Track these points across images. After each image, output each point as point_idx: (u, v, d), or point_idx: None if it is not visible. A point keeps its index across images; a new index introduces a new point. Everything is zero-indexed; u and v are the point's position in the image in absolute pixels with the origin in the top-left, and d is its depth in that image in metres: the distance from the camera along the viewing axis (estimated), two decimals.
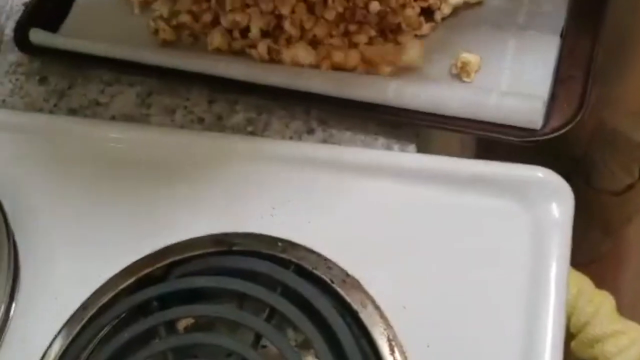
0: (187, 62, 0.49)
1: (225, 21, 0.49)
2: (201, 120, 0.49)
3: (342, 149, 0.45)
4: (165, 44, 0.52)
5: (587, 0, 0.45)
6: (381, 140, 0.46)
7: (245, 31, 0.49)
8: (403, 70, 0.46)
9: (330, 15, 0.47)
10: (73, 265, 0.43)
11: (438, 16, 0.48)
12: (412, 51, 0.45)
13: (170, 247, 0.41)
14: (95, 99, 0.52)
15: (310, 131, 0.47)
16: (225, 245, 0.41)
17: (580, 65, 0.43)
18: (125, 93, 0.52)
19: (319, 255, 0.39)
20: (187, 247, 0.41)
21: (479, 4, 0.48)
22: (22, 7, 0.57)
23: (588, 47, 0.43)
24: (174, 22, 0.51)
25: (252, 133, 0.48)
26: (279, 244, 0.40)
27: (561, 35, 0.45)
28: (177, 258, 0.40)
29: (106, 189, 0.46)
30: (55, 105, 0.52)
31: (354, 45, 0.47)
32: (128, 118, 0.50)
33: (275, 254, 0.40)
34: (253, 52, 0.48)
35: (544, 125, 0.41)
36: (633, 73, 0.81)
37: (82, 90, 0.52)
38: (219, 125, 0.49)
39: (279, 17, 0.48)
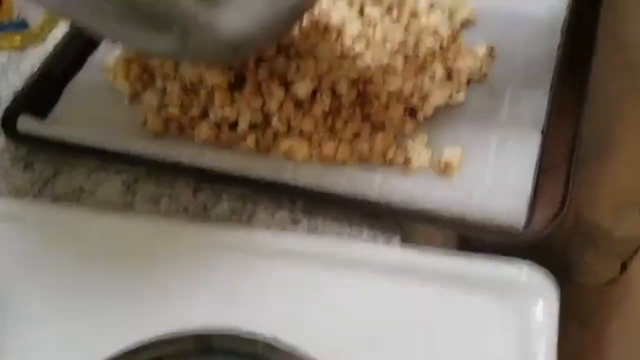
0: (174, 153, 0.50)
1: (213, 115, 0.50)
2: (186, 210, 0.49)
3: (327, 241, 0.45)
4: (154, 135, 0.52)
5: (566, 98, 0.47)
6: (366, 231, 0.46)
7: (233, 124, 0.50)
8: (389, 165, 0.47)
9: (317, 111, 0.49)
10: (48, 357, 0.42)
11: (420, 116, 0.49)
12: (417, 158, 0.46)
13: (147, 344, 0.40)
14: (80, 186, 0.52)
15: (296, 222, 0.47)
16: (204, 342, 0.40)
17: (562, 161, 0.44)
18: (110, 180, 0.52)
19: (301, 355, 0.39)
20: (166, 344, 0.40)
21: (460, 104, 0.49)
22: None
23: (569, 144, 0.44)
24: (163, 114, 0.52)
25: (237, 223, 0.48)
26: (260, 342, 0.39)
27: (542, 132, 0.46)
28: (155, 355, 0.39)
29: (88, 278, 0.45)
30: (39, 192, 0.52)
31: (341, 140, 0.48)
32: (113, 205, 0.50)
33: (256, 353, 0.39)
34: (242, 145, 0.49)
35: (527, 225, 0.42)
36: (612, 168, 0.83)
37: (68, 177, 0.52)
38: (203, 214, 0.49)
39: (267, 113, 0.49)
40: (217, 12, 0.30)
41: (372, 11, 0.54)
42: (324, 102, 0.48)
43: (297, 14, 0.36)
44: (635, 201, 0.87)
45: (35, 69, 0.58)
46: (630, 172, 0.84)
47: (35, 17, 0.64)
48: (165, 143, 0.51)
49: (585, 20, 0.52)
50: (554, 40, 0.51)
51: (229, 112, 0.49)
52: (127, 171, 0.52)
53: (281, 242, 0.45)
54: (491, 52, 0.51)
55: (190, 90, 0.52)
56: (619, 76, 0.71)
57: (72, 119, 0.54)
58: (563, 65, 0.49)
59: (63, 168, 0.53)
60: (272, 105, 0.49)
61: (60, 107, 0.56)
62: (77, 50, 0.59)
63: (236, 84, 0.50)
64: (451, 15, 0.54)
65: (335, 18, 0.52)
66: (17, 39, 0.64)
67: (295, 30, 0.52)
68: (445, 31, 0.52)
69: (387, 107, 0.48)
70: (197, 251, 0.46)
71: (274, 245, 0.45)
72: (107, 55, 0.58)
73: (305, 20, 0.52)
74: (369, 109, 0.48)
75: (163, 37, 0.32)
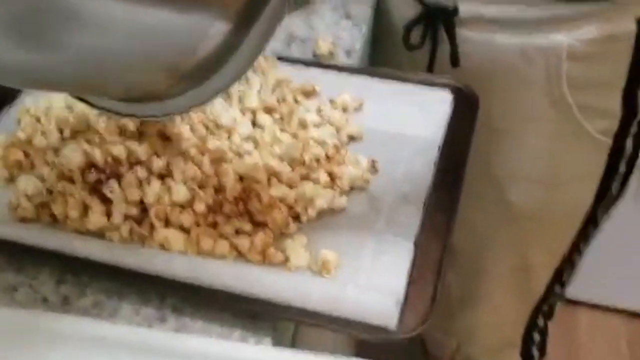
0: (42, 238, 0.47)
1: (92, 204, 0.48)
2: (45, 301, 0.46)
3: (190, 339, 0.43)
4: (23, 221, 0.49)
5: (437, 215, 0.49)
6: (237, 332, 0.44)
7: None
8: (267, 263, 0.46)
9: (199, 208, 0.48)
10: None
11: (304, 218, 0.50)
12: (295, 257, 0.46)
13: None
14: None
15: (163, 319, 0.44)
16: None
17: (431, 269, 0.45)
18: None
19: None
20: None
21: (341, 209, 0.50)
22: None
23: (438, 254, 0.46)
24: (36, 200, 0.50)
25: (98, 317, 0.44)
26: None
27: (414, 243, 0.47)
28: None
29: None
30: None
31: (222, 235, 0.47)
32: None
33: None
34: (114, 234, 0.47)
35: (398, 325, 0.42)
36: (486, 309, 0.86)
37: None
38: (64, 307, 0.45)
39: (144, 206, 0.48)
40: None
41: (263, 118, 0.56)
42: (207, 198, 0.48)
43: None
44: (512, 343, 0.89)
45: None
46: (501, 319, 0.87)
47: None
48: (33, 228, 0.48)
49: (459, 144, 0.56)
50: (432, 158, 0.54)
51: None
52: None
53: (145, 338, 0.42)
54: (373, 165, 0.53)
55: (68, 179, 0.50)
56: (489, 210, 0.76)
57: None
58: (437, 184, 0.52)
59: None
60: (150, 199, 0.48)
61: None
62: None
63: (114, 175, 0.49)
64: (339, 130, 0.57)
65: (226, 119, 0.53)
66: None
67: (184, 126, 0.52)
68: (331, 142, 0.54)
69: (270, 208, 0.48)
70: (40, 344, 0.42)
71: (132, 340, 0.42)
72: None
73: (195, 118, 0.53)
74: (251, 207, 0.48)
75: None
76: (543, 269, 0.82)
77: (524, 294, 0.85)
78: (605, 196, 0.75)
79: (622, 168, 0.73)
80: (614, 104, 0.68)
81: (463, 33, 0.67)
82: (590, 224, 0.78)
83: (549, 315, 0.91)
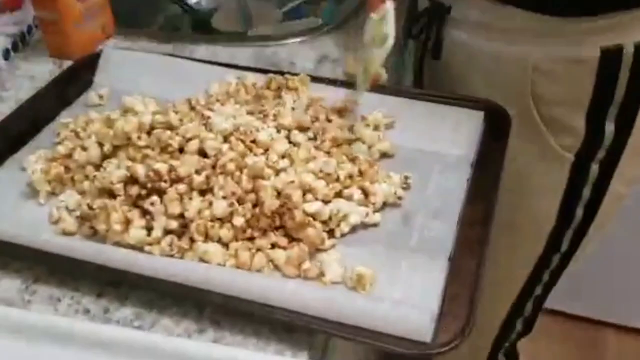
0: (83, 250, 0.48)
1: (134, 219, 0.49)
2: (87, 312, 0.47)
3: (227, 350, 0.43)
4: (64, 234, 0.51)
5: (471, 230, 0.50)
6: (273, 345, 0.44)
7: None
8: (303, 277, 0.47)
9: (237, 222, 0.49)
10: None
11: (337, 233, 0.50)
12: (330, 272, 0.47)
13: None
14: None
15: (202, 331, 0.45)
16: None
17: (467, 285, 0.45)
18: (9, 277, 0.49)
19: None
20: None
21: (374, 225, 0.51)
22: None
23: (473, 270, 0.46)
24: (78, 214, 0.51)
25: (139, 328, 0.45)
26: None
27: (449, 258, 0.48)
28: None
29: None
30: None
31: (259, 249, 0.48)
32: (8, 303, 0.47)
33: None
34: (154, 248, 0.48)
35: (433, 340, 0.42)
36: None
37: None
38: (104, 318, 0.46)
39: (184, 221, 0.49)
40: None
41: (297, 136, 0.57)
42: (245, 213, 0.49)
43: None
44: None
45: None
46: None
47: None
48: (74, 241, 0.49)
49: (492, 161, 0.56)
50: (464, 175, 0.55)
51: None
52: (29, 269, 0.49)
53: (182, 348, 0.43)
54: (405, 181, 0.54)
55: (109, 193, 0.52)
56: None
57: None
58: (471, 200, 0.53)
59: None
60: (190, 213, 0.49)
61: None
62: None
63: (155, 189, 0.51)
64: (370, 147, 0.58)
65: (263, 136, 0.54)
66: None
67: (222, 146, 0.54)
68: (363, 159, 0.55)
69: (303, 226, 0.49)
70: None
71: (176, 351, 0.43)
72: (28, 155, 0.57)
73: (233, 135, 0.54)
74: (287, 222, 0.49)
75: None
76: (512, 287, 0.82)
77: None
78: (570, 219, 0.74)
79: (587, 193, 0.72)
80: (579, 123, 0.68)
81: (452, 32, 0.72)
82: (553, 247, 0.77)
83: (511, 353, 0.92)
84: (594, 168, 0.70)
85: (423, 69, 0.80)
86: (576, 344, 1.39)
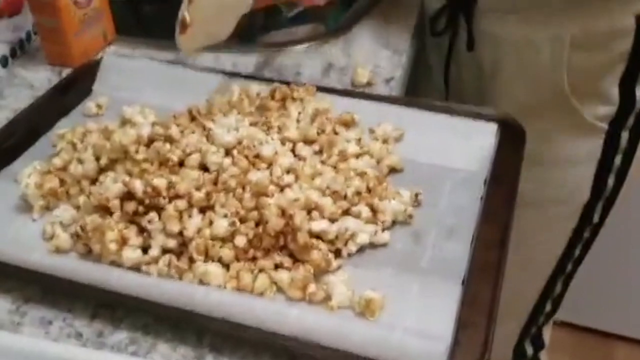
0: (77, 270, 0.46)
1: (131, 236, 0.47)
2: (79, 336, 0.44)
3: None
4: (58, 251, 0.48)
5: (487, 252, 0.47)
6: None
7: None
8: (309, 301, 0.44)
9: (239, 242, 0.46)
10: None
11: (345, 253, 0.48)
12: (338, 295, 0.44)
13: None
14: None
15: (200, 358, 0.43)
16: None
17: (482, 312, 0.43)
18: None
19: None
20: None
21: (384, 245, 0.49)
22: None
23: (489, 295, 0.43)
24: (73, 230, 0.49)
25: (135, 354, 0.43)
26: None
27: (462, 282, 0.45)
28: None
29: None
30: None
31: (262, 270, 0.46)
32: None
33: None
34: (151, 268, 0.46)
35: None
36: None
37: None
38: (97, 342, 0.44)
39: (183, 239, 0.47)
40: None
41: (303, 149, 0.55)
42: (247, 232, 0.47)
43: None
44: None
45: None
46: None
47: None
48: (68, 260, 0.47)
49: (507, 177, 0.54)
50: (477, 192, 0.52)
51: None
52: (20, 290, 0.47)
53: None
54: (416, 197, 0.51)
55: (105, 209, 0.49)
56: None
57: None
58: (485, 219, 0.50)
59: None
60: (190, 232, 0.46)
61: None
62: None
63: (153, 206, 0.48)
64: (379, 161, 0.55)
65: (267, 150, 0.52)
66: None
67: (224, 161, 0.51)
68: (372, 174, 0.52)
69: (307, 249, 0.46)
70: None
71: None
72: (23, 166, 0.55)
73: (236, 149, 0.52)
74: (291, 242, 0.46)
75: None
76: (542, 267, 0.82)
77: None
78: (603, 189, 0.76)
79: (618, 161, 0.74)
80: (614, 91, 0.70)
81: (481, 22, 0.72)
82: (586, 220, 0.78)
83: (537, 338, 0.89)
84: (624, 135, 0.72)
85: (450, 66, 0.79)
86: (586, 356, 1.37)
